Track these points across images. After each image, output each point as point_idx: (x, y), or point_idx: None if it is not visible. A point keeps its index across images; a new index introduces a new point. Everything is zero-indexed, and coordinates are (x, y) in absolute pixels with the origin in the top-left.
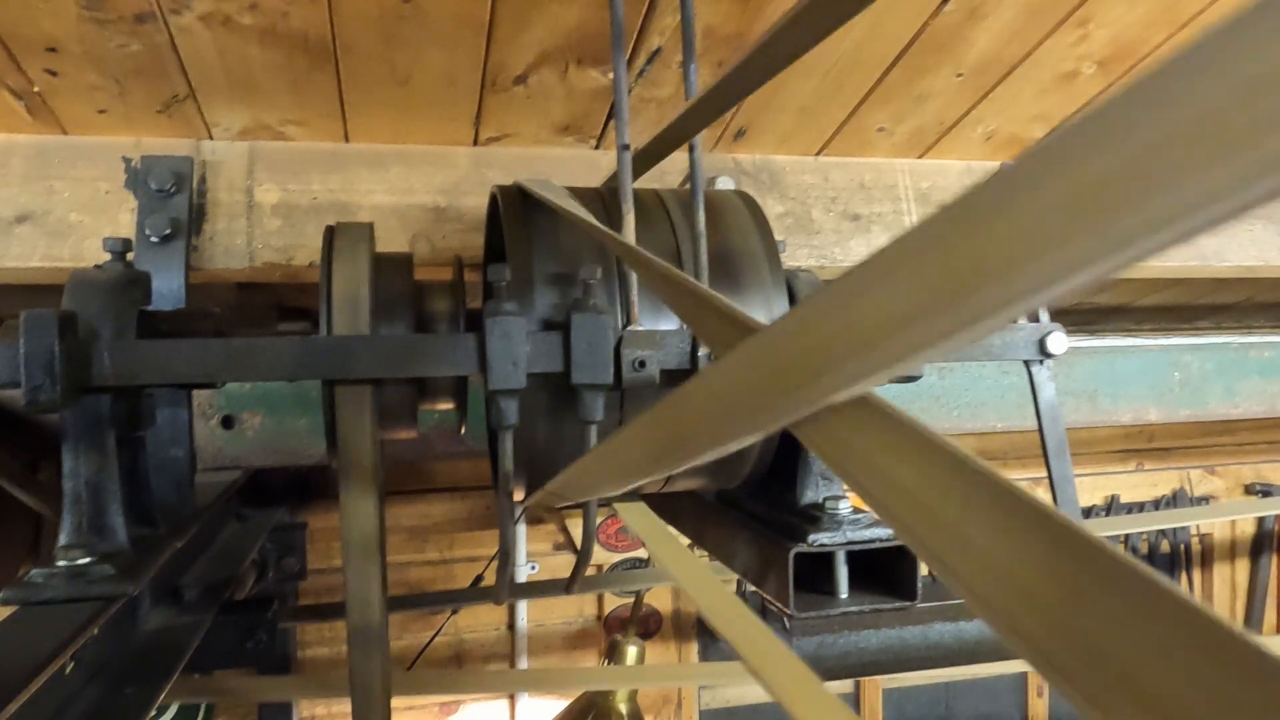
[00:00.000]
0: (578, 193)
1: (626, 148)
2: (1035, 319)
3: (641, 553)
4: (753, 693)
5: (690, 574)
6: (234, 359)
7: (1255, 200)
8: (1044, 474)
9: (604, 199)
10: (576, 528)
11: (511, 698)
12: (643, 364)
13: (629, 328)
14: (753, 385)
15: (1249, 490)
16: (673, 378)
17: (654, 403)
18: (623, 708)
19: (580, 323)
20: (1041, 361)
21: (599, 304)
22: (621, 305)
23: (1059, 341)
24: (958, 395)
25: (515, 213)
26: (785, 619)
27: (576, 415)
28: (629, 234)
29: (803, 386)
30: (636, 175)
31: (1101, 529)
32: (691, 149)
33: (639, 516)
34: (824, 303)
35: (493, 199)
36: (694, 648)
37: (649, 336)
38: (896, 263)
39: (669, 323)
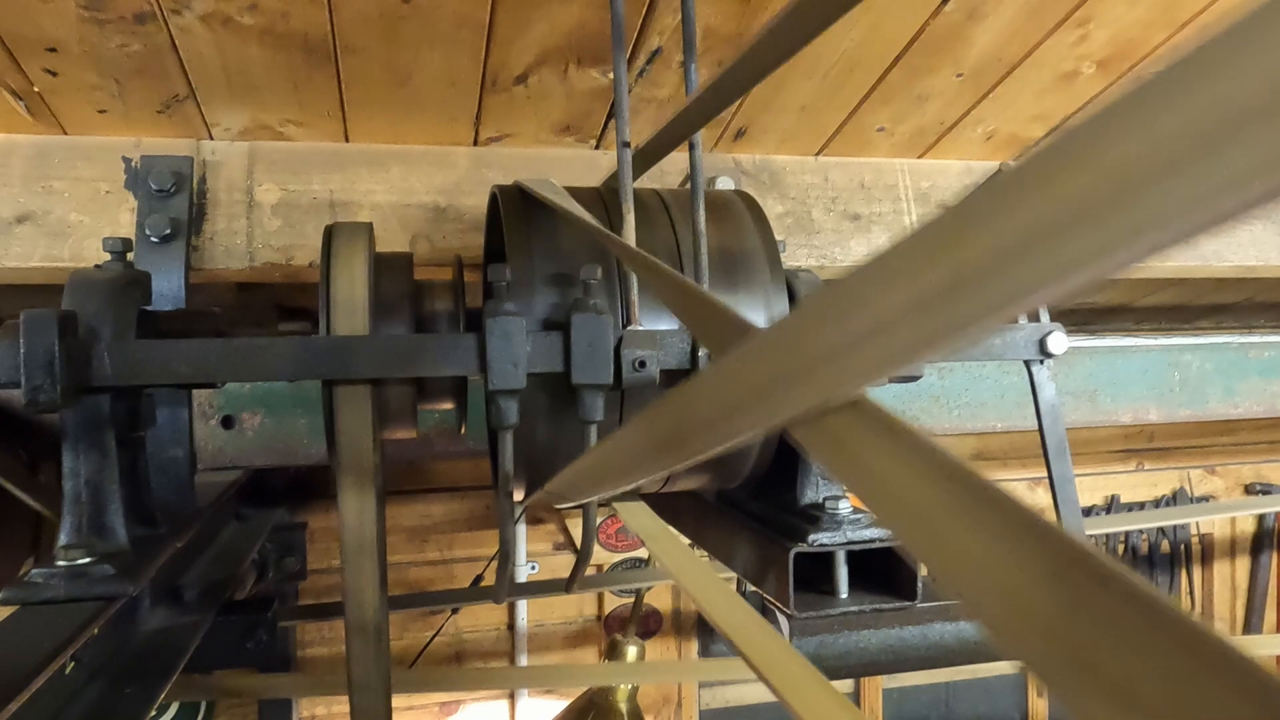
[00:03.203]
0: (577, 193)
1: (627, 145)
2: (1036, 319)
3: (642, 553)
4: (753, 692)
5: (690, 572)
6: (234, 359)
7: (1241, 205)
8: (1044, 474)
9: (604, 199)
10: (576, 528)
11: (511, 697)
12: (643, 364)
13: (629, 328)
14: (749, 385)
15: (1249, 490)
16: (673, 378)
17: (653, 402)
18: (623, 707)
19: (580, 323)
20: (1042, 361)
21: (599, 304)
22: (621, 305)
23: (1059, 341)
24: (958, 395)
25: (515, 213)
26: (785, 619)
27: (575, 415)
28: (629, 233)
29: (798, 387)
30: (637, 174)
31: (1101, 527)
32: (692, 148)
33: (639, 515)
34: (819, 305)
35: (492, 199)
36: (694, 647)
37: (649, 336)
38: (890, 266)
39: (669, 323)
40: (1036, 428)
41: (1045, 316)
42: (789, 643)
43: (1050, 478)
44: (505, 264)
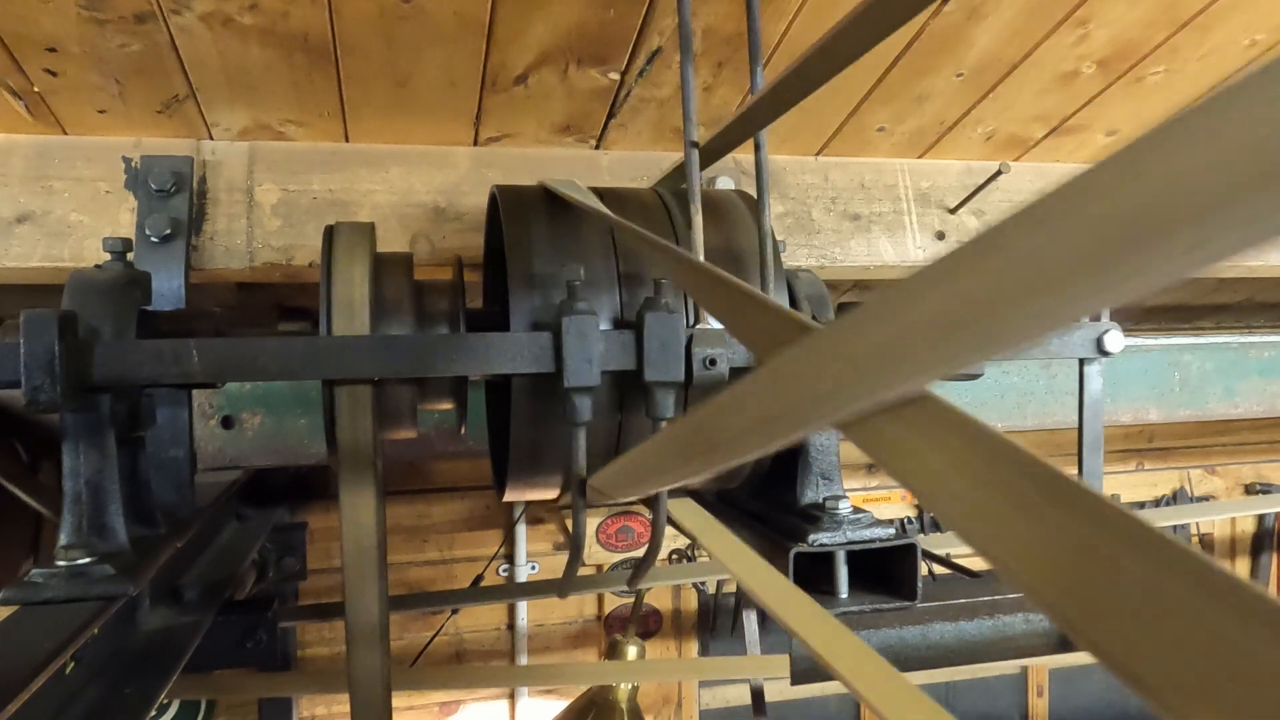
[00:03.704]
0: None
1: (695, 145)
2: (1096, 317)
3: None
4: None
5: (746, 565)
6: (233, 359)
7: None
8: None
9: (604, 199)
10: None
11: (512, 697)
12: (713, 362)
13: (698, 326)
14: (810, 383)
15: (1249, 490)
16: (741, 375)
17: (698, 404)
18: (623, 706)
19: (653, 321)
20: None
21: (670, 303)
22: (691, 303)
23: (1116, 340)
24: (957, 395)
25: (514, 213)
26: None
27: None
28: (697, 233)
29: (864, 382)
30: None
31: None
32: (757, 148)
33: (688, 512)
34: (888, 301)
35: (492, 199)
36: (694, 646)
37: (719, 335)
38: (962, 267)
39: None
40: (1039, 427)
41: (1105, 315)
42: (854, 634)
43: (1080, 471)
44: (579, 264)
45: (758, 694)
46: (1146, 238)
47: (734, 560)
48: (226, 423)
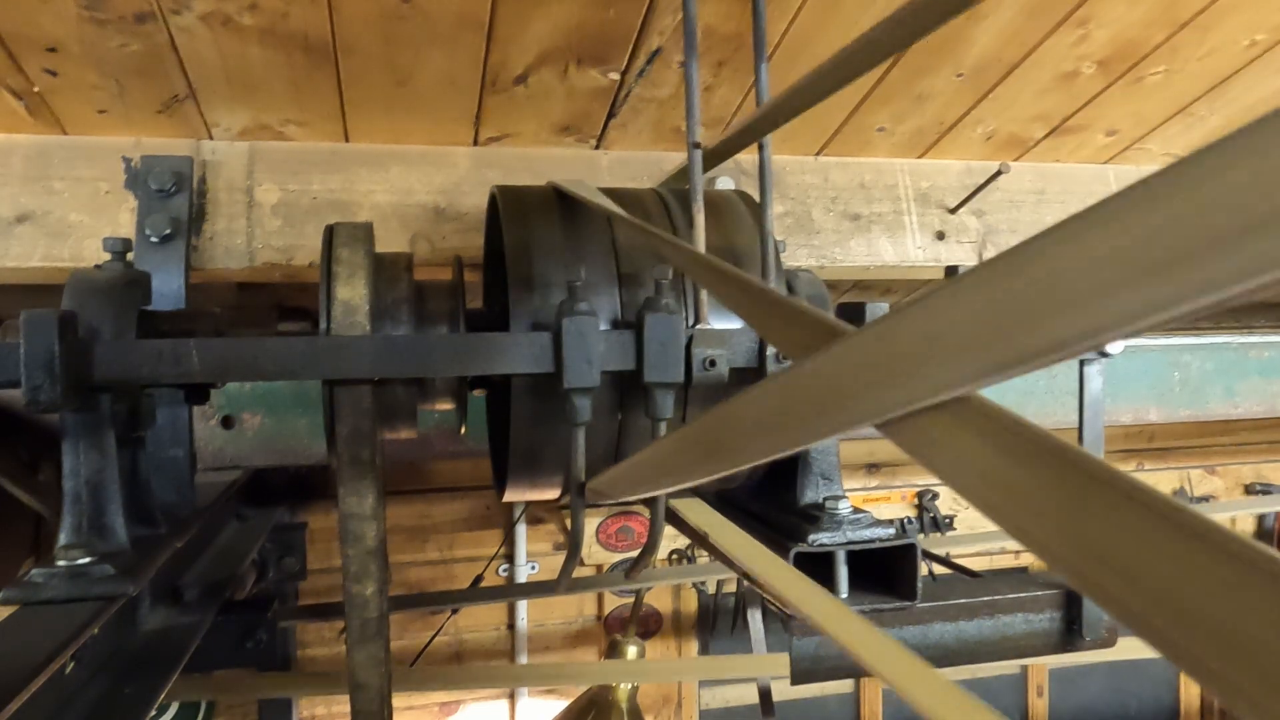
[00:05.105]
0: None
1: (698, 146)
2: None
3: None
4: (753, 692)
5: (760, 561)
6: (234, 359)
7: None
8: None
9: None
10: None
11: (511, 697)
12: (713, 363)
13: (698, 326)
14: (853, 383)
15: (1249, 490)
16: (741, 376)
17: (720, 403)
18: (623, 706)
19: (653, 322)
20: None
21: (670, 303)
22: (691, 304)
23: (1116, 341)
24: None
25: (514, 213)
26: (785, 618)
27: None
28: (699, 233)
29: (911, 383)
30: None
31: None
32: (761, 148)
33: (698, 510)
34: (929, 308)
35: (492, 199)
36: (694, 647)
37: (719, 335)
38: (1004, 275)
39: (735, 321)
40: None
41: None
42: (877, 628)
43: None
44: (579, 265)
45: (765, 694)
46: (1211, 248)
47: (750, 557)
48: (226, 423)
